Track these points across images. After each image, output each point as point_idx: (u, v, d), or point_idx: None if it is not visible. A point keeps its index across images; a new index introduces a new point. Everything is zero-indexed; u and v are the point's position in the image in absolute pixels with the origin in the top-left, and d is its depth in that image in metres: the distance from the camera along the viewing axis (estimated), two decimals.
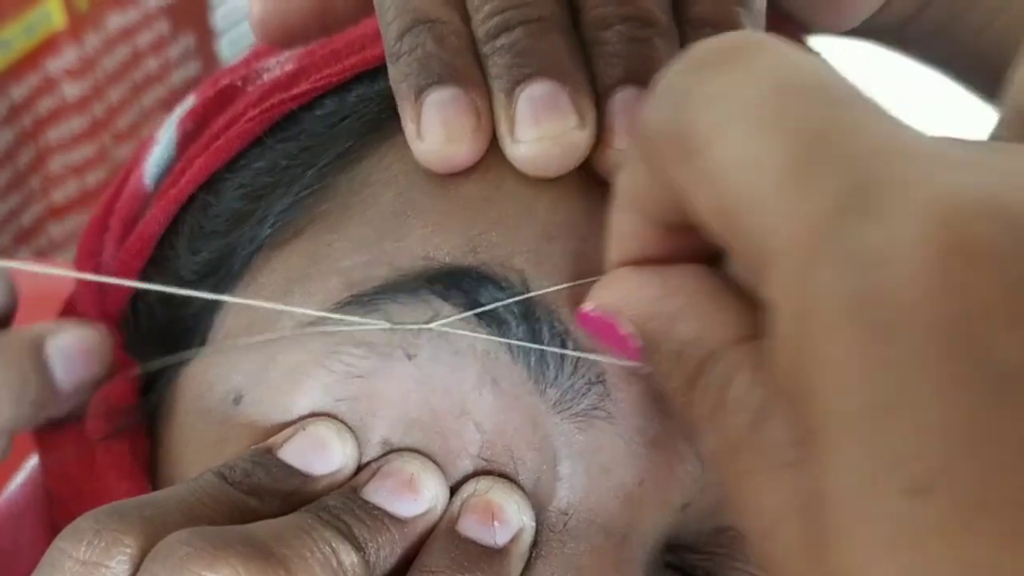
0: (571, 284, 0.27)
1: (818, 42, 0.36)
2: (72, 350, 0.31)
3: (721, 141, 0.19)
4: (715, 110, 0.19)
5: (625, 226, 0.24)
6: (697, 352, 0.22)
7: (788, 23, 0.34)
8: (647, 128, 0.22)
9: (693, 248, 0.24)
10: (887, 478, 0.16)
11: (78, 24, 0.85)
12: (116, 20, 0.89)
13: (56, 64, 0.85)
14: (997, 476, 0.16)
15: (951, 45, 0.38)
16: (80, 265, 0.36)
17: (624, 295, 0.24)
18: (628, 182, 0.24)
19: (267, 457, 0.27)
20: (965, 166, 0.18)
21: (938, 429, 0.16)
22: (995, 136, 0.22)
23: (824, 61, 0.20)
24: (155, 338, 0.32)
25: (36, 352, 0.31)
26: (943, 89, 0.42)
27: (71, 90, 0.86)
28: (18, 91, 0.83)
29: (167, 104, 0.90)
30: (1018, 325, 0.16)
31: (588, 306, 0.25)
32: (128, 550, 0.23)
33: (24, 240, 0.85)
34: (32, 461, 0.37)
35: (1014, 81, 0.22)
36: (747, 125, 0.19)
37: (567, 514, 0.27)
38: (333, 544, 0.24)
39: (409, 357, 0.27)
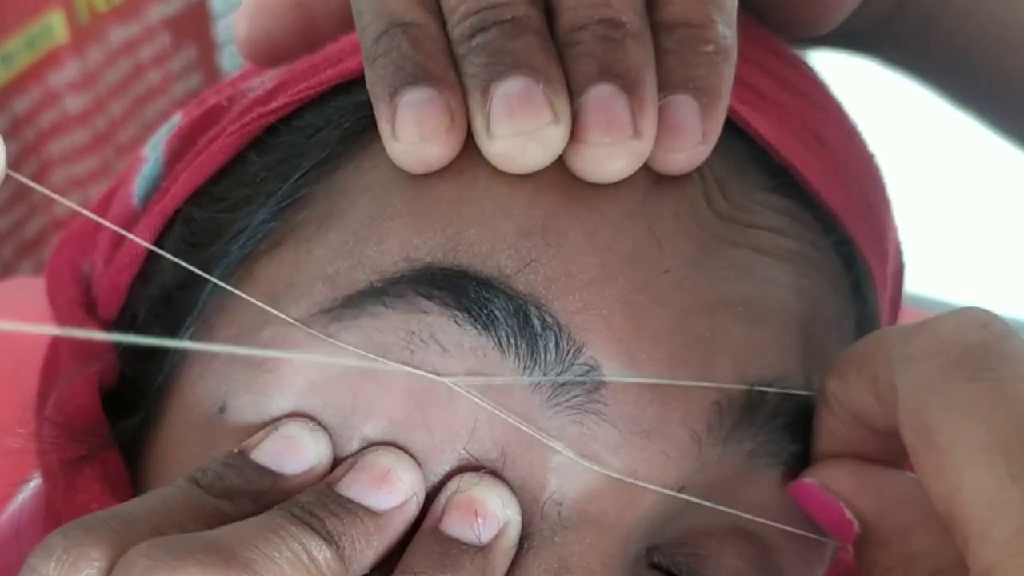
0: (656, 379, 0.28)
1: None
2: None
3: (969, 465, 0.23)
4: (964, 429, 0.23)
5: (836, 425, 0.28)
6: (930, 564, 0.26)
7: (760, 28, 0.34)
8: (883, 369, 0.26)
9: (897, 451, 0.27)
10: None
11: (80, 37, 0.86)
12: (118, 33, 0.89)
13: (58, 77, 0.85)
14: None
15: (926, 47, 0.38)
16: (53, 275, 0.36)
17: (855, 486, 0.28)
18: (849, 395, 0.28)
19: (239, 459, 0.27)
20: None
21: None
22: None
23: None
24: (145, 348, 0.32)
25: None
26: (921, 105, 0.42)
27: (73, 103, 0.87)
28: (21, 104, 0.84)
29: (169, 116, 0.90)
30: None
31: (811, 481, 0.29)
32: (96, 563, 0.24)
33: (27, 253, 0.86)
34: (36, 479, 0.37)
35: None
36: (994, 459, 0.23)
37: (560, 504, 0.27)
38: (303, 540, 0.24)
39: (399, 357, 0.27)
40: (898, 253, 0.37)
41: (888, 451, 0.28)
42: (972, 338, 0.24)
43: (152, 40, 0.92)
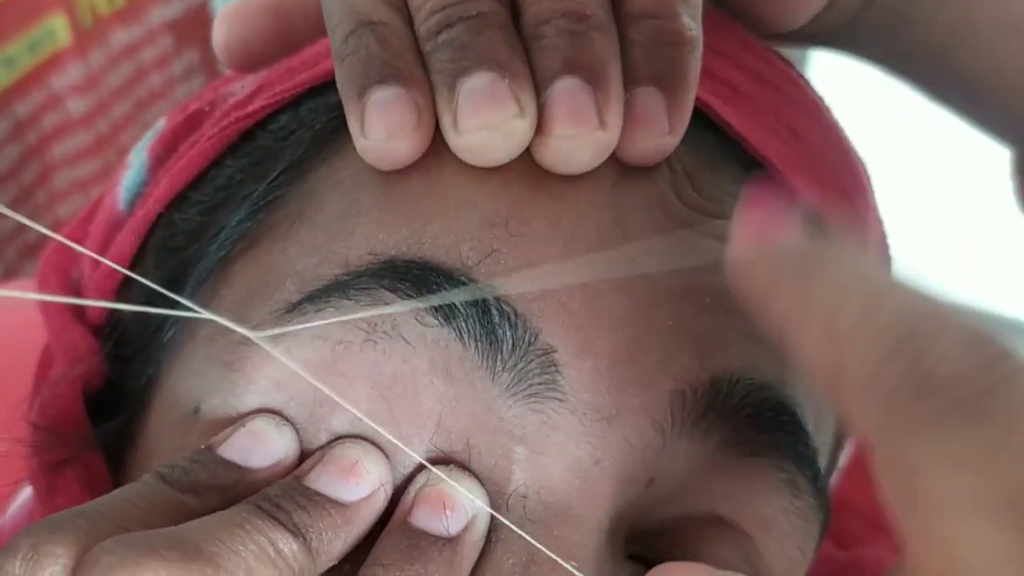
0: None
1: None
2: None
3: (968, 524, 0.18)
4: (962, 481, 0.19)
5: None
6: None
7: (734, 24, 0.34)
8: (852, 392, 0.20)
9: None
10: None
11: (83, 41, 0.86)
12: (120, 36, 0.89)
13: (61, 80, 0.86)
14: None
15: (899, 43, 0.38)
16: (43, 281, 0.36)
17: None
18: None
19: (207, 454, 0.27)
20: None
21: None
22: None
23: None
24: (129, 351, 0.33)
25: None
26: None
27: (76, 106, 0.87)
28: (23, 108, 0.84)
29: None
30: None
31: None
32: (61, 560, 0.24)
33: (29, 255, 0.86)
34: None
35: None
36: (1002, 515, 0.18)
37: (525, 496, 0.27)
38: (269, 534, 0.25)
39: (361, 350, 0.27)
40: (882, 245, 0.37)
41: None
42: (978, 380, 0.19)
43: (154, 43, 0.92)
